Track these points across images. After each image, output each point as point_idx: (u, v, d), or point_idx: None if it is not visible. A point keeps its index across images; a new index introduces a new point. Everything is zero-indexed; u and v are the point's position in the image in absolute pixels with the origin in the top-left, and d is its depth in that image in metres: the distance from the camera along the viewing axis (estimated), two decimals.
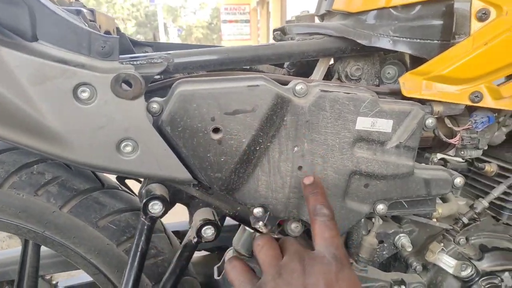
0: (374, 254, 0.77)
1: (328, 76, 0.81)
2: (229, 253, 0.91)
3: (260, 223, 0.70)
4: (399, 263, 0.87)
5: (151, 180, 0.63)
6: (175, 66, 0.58)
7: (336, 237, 0.55)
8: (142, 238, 0.62)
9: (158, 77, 0.72)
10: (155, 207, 0.60)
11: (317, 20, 0.81)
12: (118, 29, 0.82)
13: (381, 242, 0.81)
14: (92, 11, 0.68)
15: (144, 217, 0.61)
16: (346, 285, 0.50)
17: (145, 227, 0.62)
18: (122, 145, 0.55)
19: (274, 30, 0.79)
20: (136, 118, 0.54)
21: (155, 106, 0.56)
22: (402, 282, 0.77)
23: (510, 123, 0.84)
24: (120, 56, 0.54)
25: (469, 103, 0.67)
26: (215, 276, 0.84)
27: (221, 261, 0.92)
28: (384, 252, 0.82)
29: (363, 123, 0.64)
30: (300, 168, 0.64)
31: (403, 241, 0.80)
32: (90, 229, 0.72)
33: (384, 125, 0.65)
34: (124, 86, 0.53)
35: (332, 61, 0.78)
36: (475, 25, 0.63)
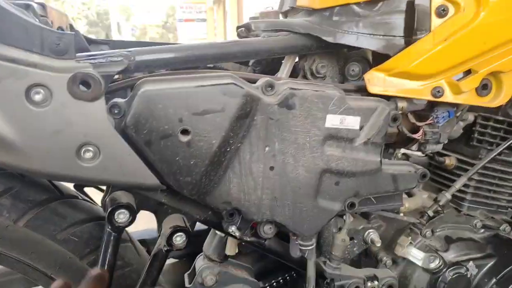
0: (346, 251, 0.77)
1: (293, 74, 0.80)
2: (199, 259, 0.88)
3: (233, 227, 0.68)
4: (369, 259, 0.88)
5: (115, 187, 0.59)
6: (137, 65, 0.54)
7: None
8: (109, 250, 0.58)
9: (116, 77, 0.69)
10: (121, 216, 0.56)
11: (280, 17, 0.80)
12: (71, 26, 0.77)
13: (351, 238, 0.81)
14: (43, 6, 0.63)
15: (110, 227, 0.57)
16: None
17: (112, 237, 0.58)
18: (82, 150, 0.51)
19: (238, 27, 0.77)
20: (96, 121, 0.51)
21: (117, 108, 0.53)
22: (375, 277, 0.78)
23: (467, 117, 0.87)
24: (77, 54, 0.50)
25: (431, 98, 0.69)
26: (186, 284, 0.81)
27: (192, 268, 0.89)
28: (355, 249, 0.82)
29: (332, 121, 0.64)
30: (271, 168, 0.63)
31: (373, 236, 0.81)
32: (49, 243, 0.67)
33: (352, 122, 0.65)
34: (82, 87, 0.49)
35: (297, 59, 0.78)
36: (435, 21, 0.64)
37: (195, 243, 0.87)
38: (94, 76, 0.49)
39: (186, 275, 0.83)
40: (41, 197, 0.66)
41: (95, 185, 0.62)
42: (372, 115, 0.66)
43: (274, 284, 0.96)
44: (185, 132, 0.55)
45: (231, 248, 0.79)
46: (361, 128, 0.66)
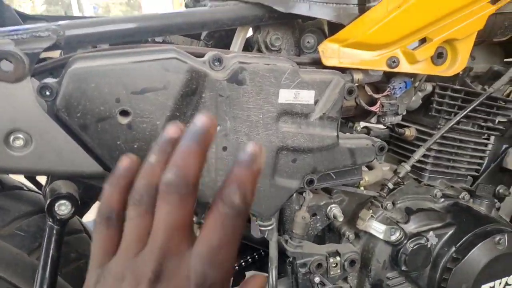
0: (307, 228, 0.76)
1: (248, 48, 0.77)
2: None
3: None
4: (333, 234, 0.87)
5: (54, 177, 0.55)
6: (67, 40, 0.49)
7: (231, 248, 0.29)
8: (52, 244, 0.54)
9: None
10: (62, 208, 0.52)
11: None
12: (0, 1, 0.70)
13: (314, 215, 0.80)
14: None
15: (51, 220, 0.53)
16: None
17: (54, 231, 0.54)
18: (11, 138, 0.47)
19: None
20: (24, 105, 0.46)
21: (48, 89, 0.48)
22: (337, 253, 0.77)
23: (425, 88, 0.87)
24: None
25: (387, 69, 0.67)
26: None
27: None
28: (318, 225, 0.82)
29: (286, 96, 0.61)
30: (224, 148, 0.60)
31: (335, 211, 0.80)
32: None
33: (306, 96, 0.62)
34: (4, 66, 0.44)
35: (251, 32, 0.74)
36: None
37: None
38: (15, 53, 0.44)
39: None
40: None
41: (32, 175, 0.57)
42: (327, 88, 0.64)
43: (243, 263, 0.95)
44: (124, 113, 0.51)
45: None
46: (316, 102, 0.64)
